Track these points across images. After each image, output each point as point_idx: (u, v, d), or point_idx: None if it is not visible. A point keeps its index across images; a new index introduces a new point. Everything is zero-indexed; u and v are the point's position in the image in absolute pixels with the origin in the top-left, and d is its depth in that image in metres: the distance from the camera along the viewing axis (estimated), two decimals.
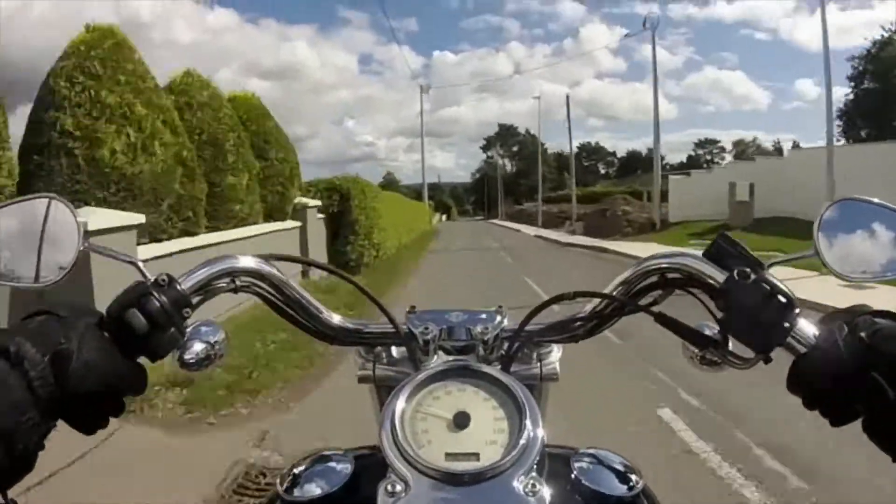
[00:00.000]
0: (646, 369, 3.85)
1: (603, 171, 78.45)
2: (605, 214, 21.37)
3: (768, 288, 0.47)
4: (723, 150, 74.91)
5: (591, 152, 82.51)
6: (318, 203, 9.22)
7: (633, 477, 0.52)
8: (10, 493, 0.42)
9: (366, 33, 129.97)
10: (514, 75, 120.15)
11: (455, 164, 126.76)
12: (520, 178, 71.11)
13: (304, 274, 6.98)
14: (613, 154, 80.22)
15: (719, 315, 0.50)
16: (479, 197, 79.80)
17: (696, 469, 2.51)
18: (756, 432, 2.79)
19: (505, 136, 78.11)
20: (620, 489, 0.50)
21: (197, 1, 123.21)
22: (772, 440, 2.68)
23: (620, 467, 0.53)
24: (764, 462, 2.52)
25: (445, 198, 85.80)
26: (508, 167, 73.70)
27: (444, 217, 66.86)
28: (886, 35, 26.83)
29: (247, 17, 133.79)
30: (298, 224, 8.37)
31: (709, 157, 74.22)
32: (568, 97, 32.10)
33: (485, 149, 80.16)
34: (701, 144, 75.36)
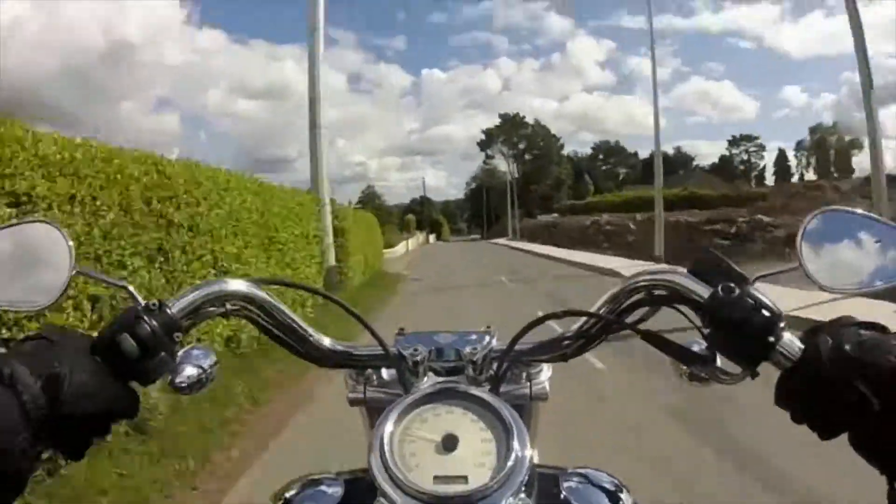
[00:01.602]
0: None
1: (622, 174, 73.23)
2: None
3: (752, 302, 0.51)
4: (762, 147, 72.21)
5: (608, 153, 76.70)
6: None
7: (623, 496, 0.56)
8: None
9: (354, 53, 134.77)
10: (503, 91, 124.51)
11: (447, 183, 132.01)
12: (530, 183, 61.89)
13: None
14: (635, 154, 74.33)
15: (706, 331, 0.55)
16: (476, 211, 72.60)
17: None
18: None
19: (508, 128, 68.11)
20: None
21: (185, 22, 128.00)
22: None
23: (610, 486, 0.56)
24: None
25: (436, 214, 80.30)
26: (515, 173, 64.12)
27: (431, 237, 58.07)
28: None
29: (234, 38, 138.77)
30: None
31: (745, 157, 72.42)
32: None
33: (483, 145, 69.93)
34: (735, 142, 72.76)
